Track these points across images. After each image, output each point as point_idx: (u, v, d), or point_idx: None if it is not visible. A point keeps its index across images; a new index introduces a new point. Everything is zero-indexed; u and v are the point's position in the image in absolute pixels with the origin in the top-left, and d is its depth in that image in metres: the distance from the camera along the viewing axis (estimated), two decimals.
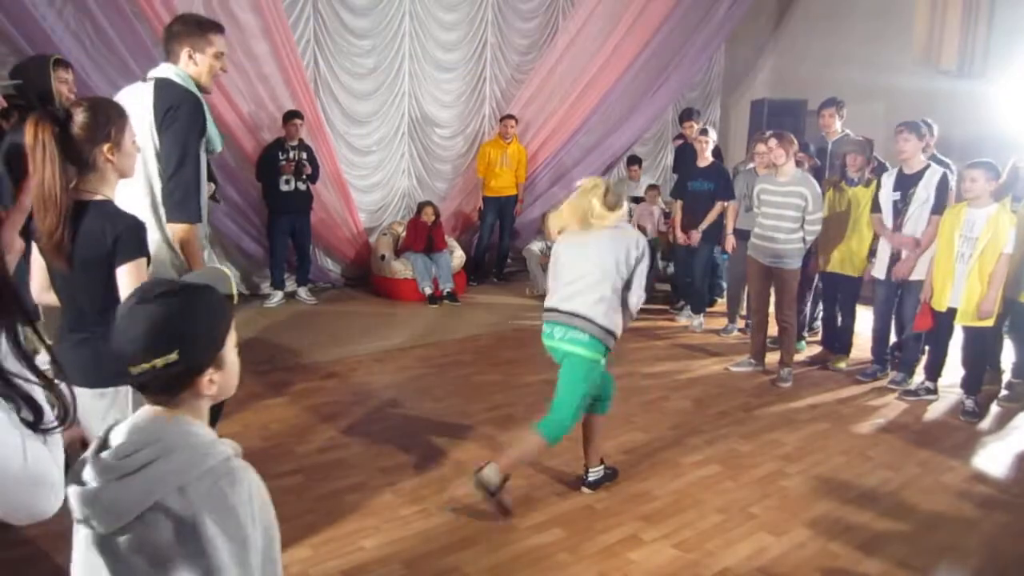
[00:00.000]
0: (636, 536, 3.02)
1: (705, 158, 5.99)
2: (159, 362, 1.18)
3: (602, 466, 3.44)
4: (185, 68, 2.68)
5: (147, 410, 1.25)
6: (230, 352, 1.30)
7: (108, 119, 2.02)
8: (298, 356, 5.09)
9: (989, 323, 4.32)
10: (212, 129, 2.70)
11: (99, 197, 2.04)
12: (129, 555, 1.17)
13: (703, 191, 5.97)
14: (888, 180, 4.81)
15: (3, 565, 2.64)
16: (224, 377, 1.28)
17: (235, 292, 1.32)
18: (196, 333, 1.23)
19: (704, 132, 6.05)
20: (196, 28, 2.70)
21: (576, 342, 3.11)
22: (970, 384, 4.53)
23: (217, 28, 2.73)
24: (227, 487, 1.18)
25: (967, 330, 4.44)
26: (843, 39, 8.04)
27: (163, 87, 2.61)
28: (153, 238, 2.54)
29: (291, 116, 6.21)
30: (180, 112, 2.54)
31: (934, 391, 4.72)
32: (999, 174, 4.30)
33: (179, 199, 2.56)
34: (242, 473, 1.21)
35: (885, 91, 7.44)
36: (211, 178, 6.04)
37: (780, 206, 4.77)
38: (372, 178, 7.40)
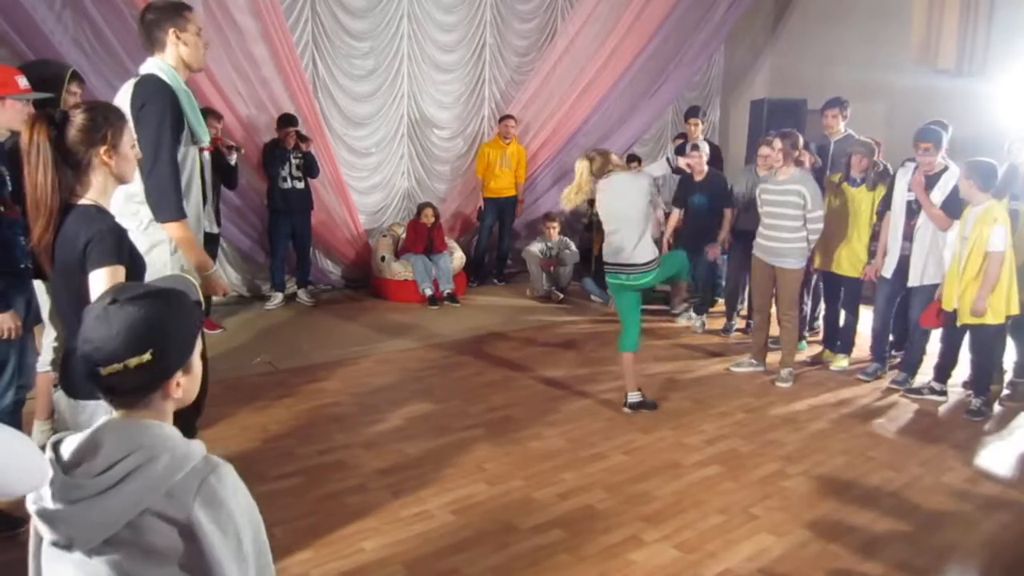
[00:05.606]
0: (637, 537, 3.01)
1: (701, 172, 5.98)
2: (132, 362, 1.18)
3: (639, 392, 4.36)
4: (175, 52, 2.69)
5: (115, 418, 1.24)
6: (196, 358, 1.31)
7: (105, 121, 1.97)
8: (298, 357, 5.09)
9: (992, 321, 4.28)
10: (195, 121, 2.70)
11: (86, 201, 1.98)
12: (114, 563, 1.16)
13: (701, 205, 5.96)
14: (903, 180, 4.75)
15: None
16: (190, 382, 1.30)
17: (201, 299, 1.35)
18: (170, 336, 1.24)
19: (695, 148, 6.06)
20: (172, 10, 2.70)
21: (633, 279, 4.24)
22: (975, 384, 4.53)
23: (188, 6, 2.77)
24: (215, 482, 1.19)
25: (971, 329, 4.43)
26: (842, 39, 8.04)
27: (142, 83, 2.62)
28: (146, 244, 2.51)
29: (285, 122, 6.16)
30: (149, 110, 2.54)
31: (942, 392, 4.69)
32: (985, 174, 4.23)
33: (156, 200, 2.57)
34: (224, 467, 1.23)
35: (884, 90, 7.45)
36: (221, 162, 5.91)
37: (780, 204, 4.77)
38: (372, 180, 7.40)
